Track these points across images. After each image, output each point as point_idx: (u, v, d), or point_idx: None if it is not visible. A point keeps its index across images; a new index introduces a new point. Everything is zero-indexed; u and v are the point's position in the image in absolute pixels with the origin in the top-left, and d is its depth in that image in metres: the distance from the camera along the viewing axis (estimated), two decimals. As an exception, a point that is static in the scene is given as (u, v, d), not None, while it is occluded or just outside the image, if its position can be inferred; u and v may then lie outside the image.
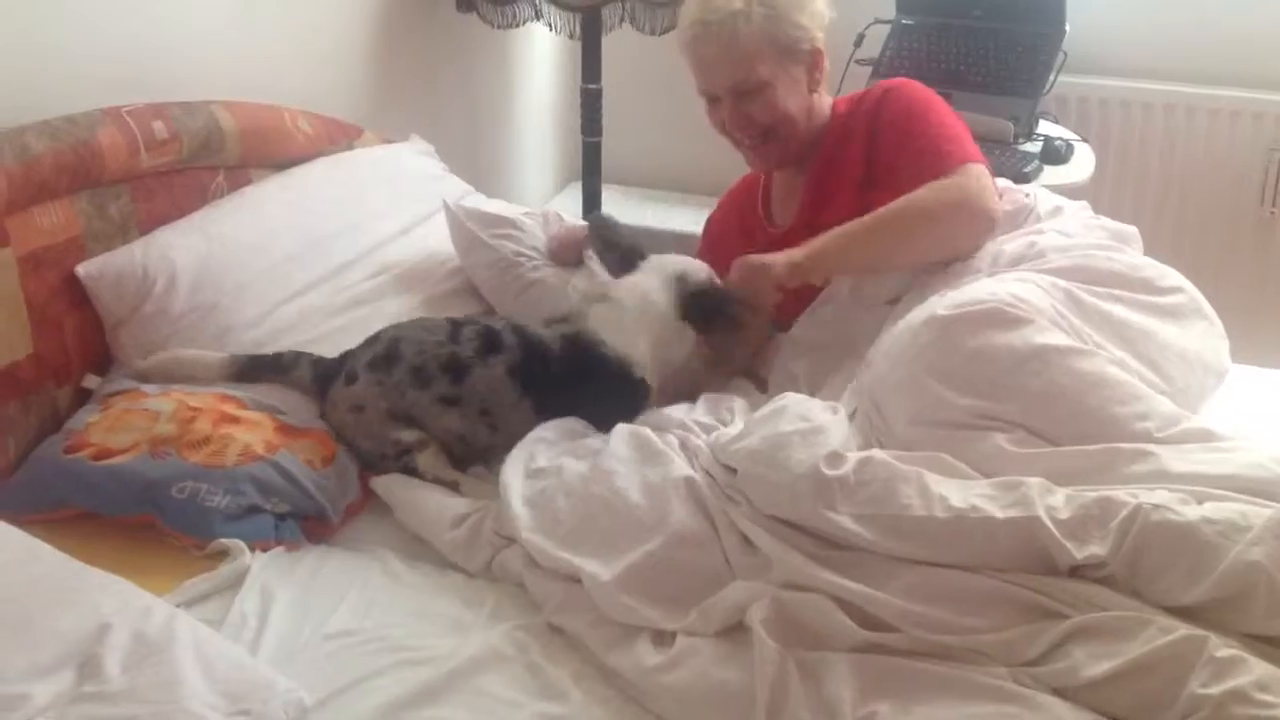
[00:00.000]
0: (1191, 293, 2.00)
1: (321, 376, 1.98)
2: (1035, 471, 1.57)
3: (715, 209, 2.52)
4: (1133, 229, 2.13)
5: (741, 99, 2.16)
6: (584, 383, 1.95)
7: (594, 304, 2.03)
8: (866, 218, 2.03)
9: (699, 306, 2.04)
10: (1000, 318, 1.74)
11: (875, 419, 1.79)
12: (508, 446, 1.86)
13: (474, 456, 1.94)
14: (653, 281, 2.06)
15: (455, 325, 1.98)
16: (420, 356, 1.92)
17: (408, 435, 1.90)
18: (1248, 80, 3.21)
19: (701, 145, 2.59)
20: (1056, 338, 1.73)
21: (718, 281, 2.08)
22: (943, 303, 1.80)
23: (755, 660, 1.42)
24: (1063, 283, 1.86)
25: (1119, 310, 1.87)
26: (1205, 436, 1.64)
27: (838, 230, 2.04)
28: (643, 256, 2.11)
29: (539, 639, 1.55)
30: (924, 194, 2.02)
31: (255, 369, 1.99)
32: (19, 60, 1.99)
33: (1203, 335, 1.96)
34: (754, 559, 1.57)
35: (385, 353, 1.94)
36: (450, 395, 1.92)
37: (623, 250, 2.13)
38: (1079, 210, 2.19)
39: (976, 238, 2.05)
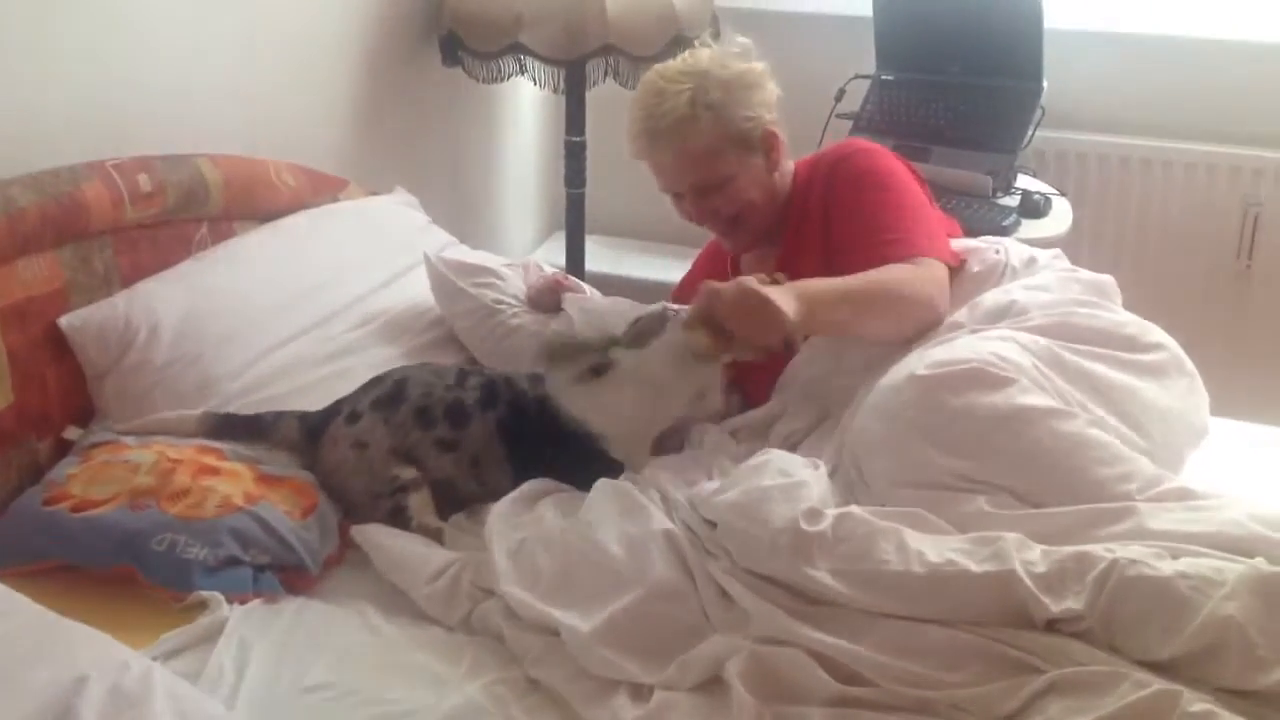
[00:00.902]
0: (1173, 350, 2.01)
1: (313, 427, 1.99)
2: (1016, 532, 1.57)
3: (689, 270, 2.53)
4: (1109, 279, 2.14)
5: (704, 195, 2.16)
6: (554, 450, 1.95)
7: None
8: (852, 285, 1.97)
9: (634, 330, 2.01)
10: (983, 378, 1.75)
11: (854, 476, 1.80)
12: (487, 499, 1.87)
13: (456, 505, 1.95)
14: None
15: (463, 372, 2.02)
16: (426, 399, 1.96)
17: (406, 473, 1.92)
18: (1223, 135, 3.25)
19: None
20: (1038, 398, 1.75)
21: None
22: (924, 361, 1.81)
23: (733, 714, 1.42)
24: (1044, 341, 1.88)
25: (1101, 369, 1.88)
26: (1185, 496, 1.66)
27: (824, 290, 1.95)
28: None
29: (517, 693, 1.55)
30: (901, 276, 1.99)
31: (230, 428, 1.98)
32: (4, 115, 2.00)
33: (1184, 394, 1.97)
34: (732, 613, 1.58)
35: (391, 393, 1.97)
36: (449, 440, 1.94)
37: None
38: (1053, 260, 2.20)
39: (920, 332, 2.01)
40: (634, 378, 1.97)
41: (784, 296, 1.88)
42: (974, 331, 1.94)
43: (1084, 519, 1.62)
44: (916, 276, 2.02)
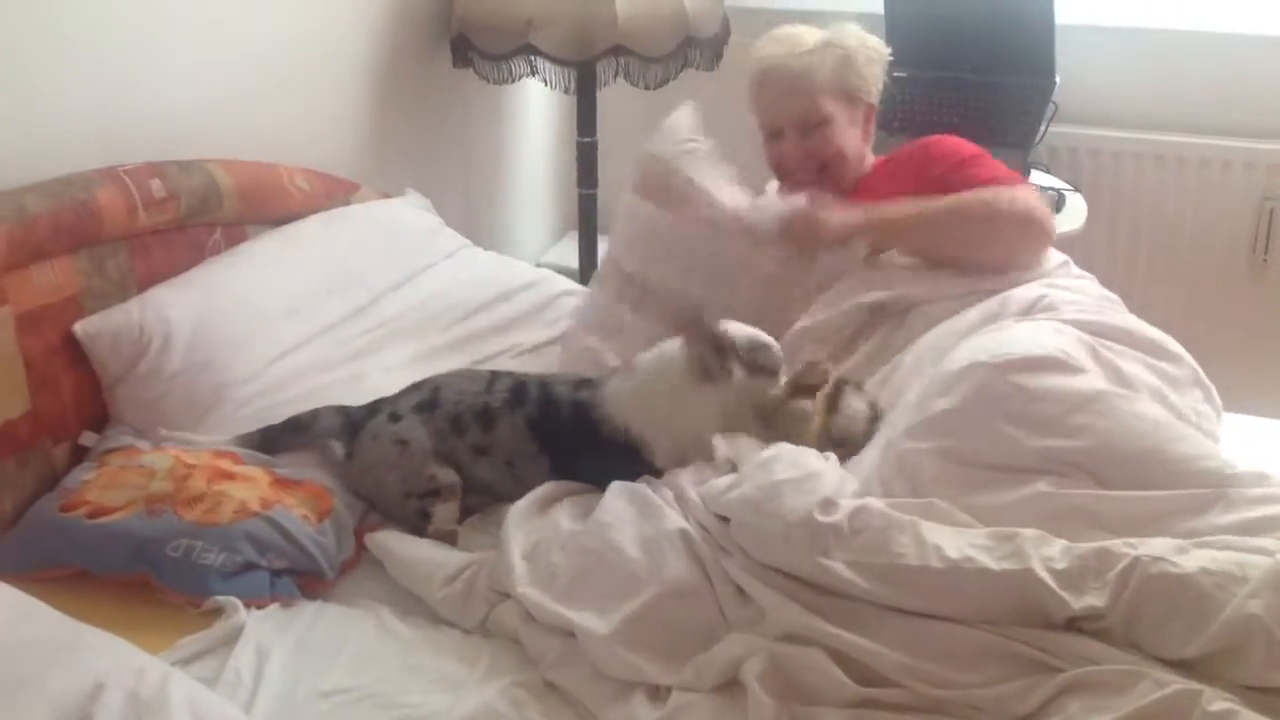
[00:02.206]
0: (1189, 361, 2.00)
1: (351, 421, 2.00)
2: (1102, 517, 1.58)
3: None
4: (1116, 296, 2.15)
5: (805, 133, 2.33)
6: (592, 453, 1.94)
7: (612, 381, 1.98)
8: (938, 203, 2.13)
9: (700, 360, 1.92)
10: (1058, 364, 1.76)
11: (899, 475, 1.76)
12: None
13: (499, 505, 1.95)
14: (675, 349, 1.96)
15: (494, 376, 2.03)
16: (457, 406, 1.96)
17: (444, 475, 1.92)
18: (1238, 129, 3.23)
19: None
20: (1112, 386, 1.76)
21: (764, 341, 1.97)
22: (986, 350, 1.80)
23: (750, 716, 1.42)
24: (1086, 336, 1.88)
25: (1134, 370, 1.87)
26: (1263, 481, 1.64)
27: (908, 205, 2.14)
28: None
29: (535, 695, 1.55)
30: (998, 195, 2.12)
31: (270, 439, 1.99)
32: (17, 122, 2.00)
33: (1197, 404, 1.95)
34: (748, 611, 1.57)
35: (429, 399, 1.98)
36: (481, 444, 1.95)
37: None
38: (1061, 265, 2.21)
39: (1035, 253, 2.14)
40: (723, 402, 1.92)
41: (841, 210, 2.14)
42: (1003, 320, 1.94)
43: (1168, 505, 1.60)
44: (1010, 193, 2.14)
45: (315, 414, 2.02)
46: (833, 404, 1.91)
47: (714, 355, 1.91)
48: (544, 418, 1.95)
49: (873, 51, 2.39)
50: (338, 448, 2.00)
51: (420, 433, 1.95)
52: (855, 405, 1.92)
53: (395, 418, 1.97)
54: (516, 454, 1.95)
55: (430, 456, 1.93)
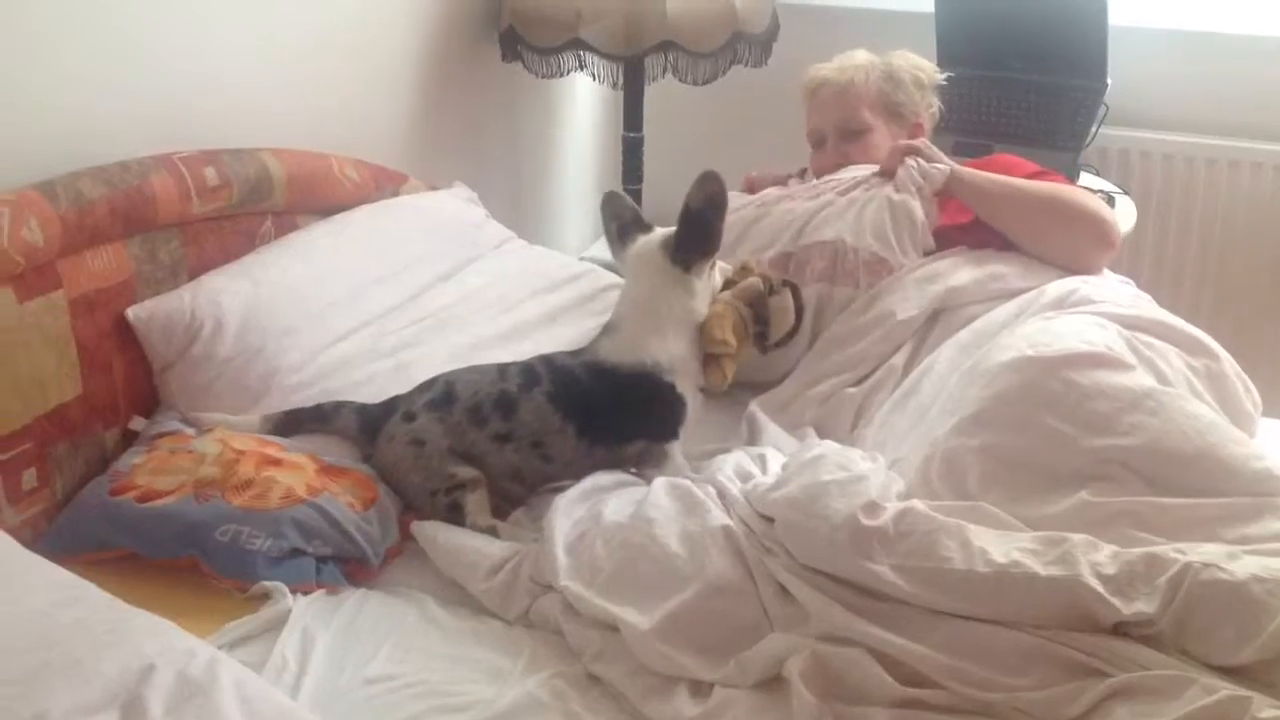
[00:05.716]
0: (1225, 357, 1.98)
1: (368, 421, 2.01)
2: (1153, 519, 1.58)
3: None
4: (1149, 296, 2.16)
5: (845, 139, 2.49)
6: (615, 402, 1.99)
7: (600, 338, 2.08)
8: (1025, 181, 2.26)
9: (682, 238, 2.06)
10: (1108, 360, 1.75)
11: (940, 472, 1.77)
12: (561, 476, 1.92)
13: (530, 490, 1.97)
14: (647, 250, 2.11)
15: (502, 367, 2.04)
16: (474, 397, 1.97)
17: (464, 472, 1.93)
18: (1291, 134, 3.20)
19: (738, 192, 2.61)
20: (1160, 384, 1.75)
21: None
22: (1032, 344, 1.80)
23: (794, 714, 1.42)
24: (1125, 331, 1.87)
25: (1173, 365, 1.86)
26: None
27: (991, 173, 2.27)
28: (646, 230, 2.16)
29: (577, 687, 1.55)
30: (1081, 195, 2.21)
31: (295, 421, 2.01)
32: (74, 108, 2.03)
33: (1239, 401, 1.95)
34: (792, 610, 1.57)
35: (443, 395, 1.99)
36: (503, 432, 1.96)
37: (625, 221, 2.18)
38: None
39: (1099, 257, 2.18)
40: (708, 287, 2.11)
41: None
42: (1049, 319, 1.93)
43: (1219, 512, 1.59)
44: (1090, 196, 2.24)
45: (337, 407, 2.03)
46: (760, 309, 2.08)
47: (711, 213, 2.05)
48: (561, 388, 1.98)
49: (921, 74, 2.52)
50: (356, 445, 2.02)
51: (436, 430, 1.95)
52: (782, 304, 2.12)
53: (410, 417, 1.97)
54: (542, 431, 1.96)
55: (448, 455, 1.94)
